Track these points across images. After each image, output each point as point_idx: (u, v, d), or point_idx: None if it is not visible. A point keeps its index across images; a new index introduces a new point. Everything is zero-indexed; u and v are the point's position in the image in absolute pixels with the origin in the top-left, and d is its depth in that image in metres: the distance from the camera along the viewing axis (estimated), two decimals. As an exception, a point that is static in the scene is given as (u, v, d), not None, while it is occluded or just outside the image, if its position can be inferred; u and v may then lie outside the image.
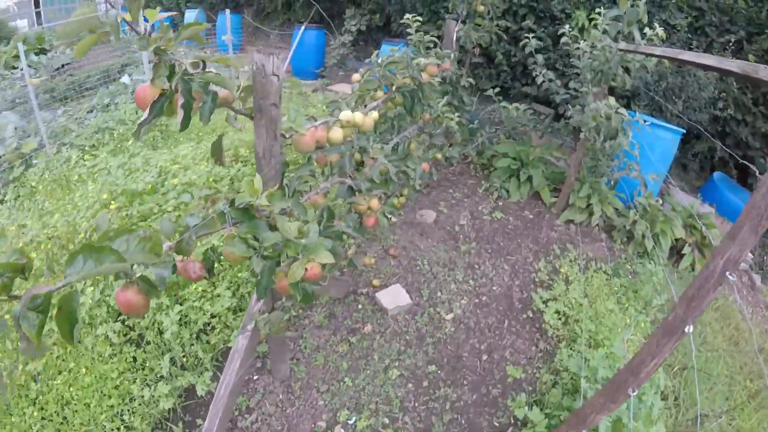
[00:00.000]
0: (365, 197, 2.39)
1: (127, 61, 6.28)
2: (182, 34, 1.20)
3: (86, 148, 4.36)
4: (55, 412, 2.45)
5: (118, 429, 2.39)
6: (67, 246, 3.20)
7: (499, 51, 5.20)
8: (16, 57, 7.30)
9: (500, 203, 4.40)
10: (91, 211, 3.21)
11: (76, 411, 2.45)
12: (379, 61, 2.83)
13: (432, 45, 4.36)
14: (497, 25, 4.86)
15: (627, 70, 3.39)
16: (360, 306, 3.15)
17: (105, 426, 2.38)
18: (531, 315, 3.17)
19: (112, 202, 3.23)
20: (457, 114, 4.63)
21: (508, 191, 4.52)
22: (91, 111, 5.31)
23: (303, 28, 6.50)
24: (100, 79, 5.84)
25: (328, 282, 2.71)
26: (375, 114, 2.33)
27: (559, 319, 3.06)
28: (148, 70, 5.05)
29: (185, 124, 1.24)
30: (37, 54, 7.61)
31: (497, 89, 4.80)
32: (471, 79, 4.52)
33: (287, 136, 1.79)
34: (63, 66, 6.76)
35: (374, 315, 3.09)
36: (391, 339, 2.95)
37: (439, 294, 3.27)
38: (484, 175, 4.84)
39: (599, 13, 3.46)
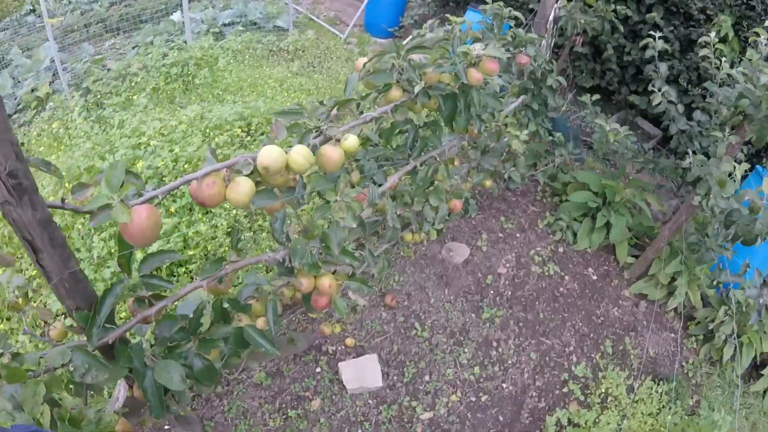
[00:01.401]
0: (307, 274, 1.59)
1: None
2: None
3: (100, 95, 3.93)
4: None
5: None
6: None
7: (610, 43, 3.96)
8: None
9: (561, 249, 3.38)
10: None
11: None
12: (405, 43, 1.93)
13: (515, 22, 3.29)
14: (614, 11, 3.63)
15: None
16: (318, 369, 2.44)
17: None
18: (537, 446, 2.28)
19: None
20: (535, 121, 3.59)
21: (575, 235, 3.47)
22: (135, 47, 4.91)
23: (381, -25, 5.56)
24: (159, 12, 5.40)
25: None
26: (352, 141, 1.48)
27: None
28: (187, 8, 4.50)
29: None
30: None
31: (597, 95, 3.65)
32: (562, 78, 3.41)
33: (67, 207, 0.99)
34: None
35: (330, 387, 2.37)
36: (338, 428, 2.24)
37: (426, 378, 2.46)
38: (551, 203, 3.79)
39: (760, 28, 2.23)
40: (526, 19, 3.56)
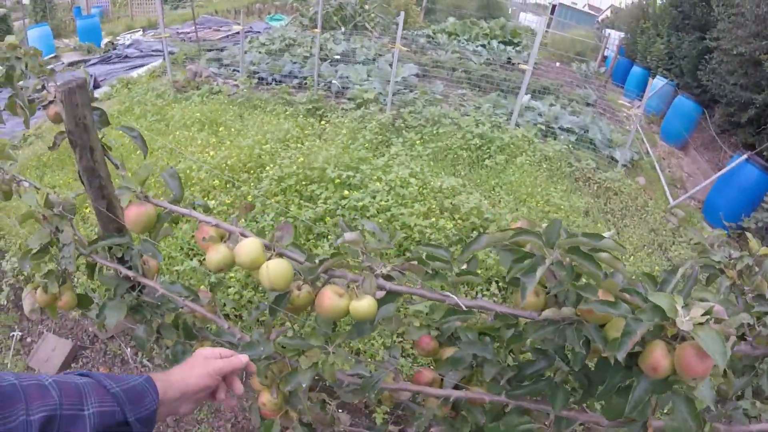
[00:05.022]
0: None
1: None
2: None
3: (407, 125, 4.31)
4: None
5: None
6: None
7: None
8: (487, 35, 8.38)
9: None
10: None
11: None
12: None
13: None
14: None
15: None
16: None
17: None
18: None
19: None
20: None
21: None
22: (478, 107, 5.17)
23: (743, 158, 4.40)
24: (518, 87, 5.60)
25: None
26: (366, 303, 1.12)
27: None
28: (524, 92, 4.43)
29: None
30: (506, 44, 9.01)
31: None
32: None
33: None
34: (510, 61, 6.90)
35: None
36: None
37: None
38: None
39: None
40: None
